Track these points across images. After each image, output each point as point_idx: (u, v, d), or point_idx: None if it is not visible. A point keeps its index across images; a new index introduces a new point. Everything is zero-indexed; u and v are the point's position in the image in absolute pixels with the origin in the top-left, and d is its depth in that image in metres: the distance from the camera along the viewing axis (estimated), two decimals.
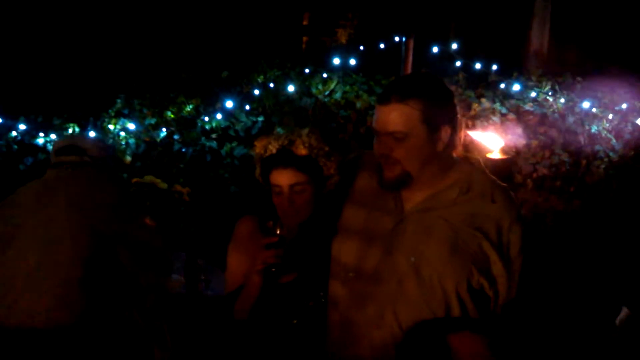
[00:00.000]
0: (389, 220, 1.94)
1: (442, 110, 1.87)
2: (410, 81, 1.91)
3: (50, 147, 4.43)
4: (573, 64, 5.19)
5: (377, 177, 1.99)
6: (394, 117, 1.83)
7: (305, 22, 9.43)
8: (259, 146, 2.06)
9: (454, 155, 1.97)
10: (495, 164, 3.52)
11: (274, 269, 1.91)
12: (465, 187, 1.92)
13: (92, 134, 4.39)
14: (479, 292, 1.90)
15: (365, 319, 1.92)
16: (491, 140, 3.45)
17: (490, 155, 3.50)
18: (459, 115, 1.91)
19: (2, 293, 2.03)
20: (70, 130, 4.44)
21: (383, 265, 1.92)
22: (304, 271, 2.01)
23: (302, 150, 1.96)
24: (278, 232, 1.91)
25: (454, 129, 1.89)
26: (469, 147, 4.10)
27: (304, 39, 9.25)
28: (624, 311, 2.97)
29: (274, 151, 1.97)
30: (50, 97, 4.73)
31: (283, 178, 1.95)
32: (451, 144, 1.91)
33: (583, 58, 5.69)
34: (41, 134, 4.46)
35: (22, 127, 4.49)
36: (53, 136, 4.44)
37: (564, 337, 3.61)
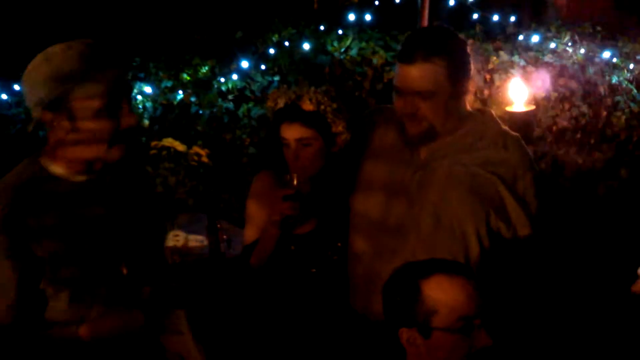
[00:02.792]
0: (408, 171, 2.00)
1: (463, 64, 1.94)
2: (431, 37, 1.92)
3: None
4: (592, 13, 5.07)
5: (397, 132, 2.01)
6: (420, 76, 1.86)
7: None
8: (270, 99, 2.12)
9: (467, 105, 2.02)
10: (514, 117, 3.49)
11: (291, 220, 1.97)
12: (479, 135, 1.98)
13: None
14: (497, 236, 1.94)
15: (390, 271, 1.96)
16: (513, 92, 3.41)
17: (510, 109, 3.46)
18: (472, 65, 1.95)
19: None
20: None
21: (406, 217, 1.96)
22: (321, 222, 2.06)
23: (309, 106, 2.01)
24: (295, 184, 1.97)
25: (471, 79, 1.96)
26: (488, 101, 4.07)
27: None
28: None
29: (282, 105, 2.01)
30: None
31: (290, 132, 2.01)
32: (467, 92, 1.98)
33: (603, 7, 5.56)
34: None
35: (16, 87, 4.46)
36: None
37: (583, 287, 3.64)
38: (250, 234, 2.13)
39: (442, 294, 1.47)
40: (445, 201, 1.93)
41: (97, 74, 1.48)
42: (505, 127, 2.05)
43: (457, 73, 1.87)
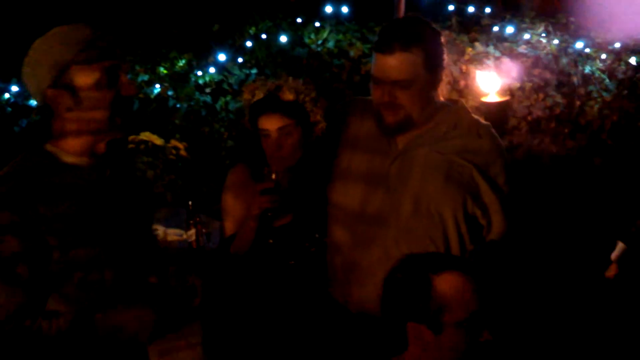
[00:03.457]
0: (385, 160, 2.01)
1: (438, 53, 1.95)
2: (408, 28, 1.94)
3: None
4: (566, 4, 5.14)
5: (373, 122, 2.04)
6: (399, 65, 1.87)
7: None
8: (247, 92, 2.12)
9: (441, 95, 2.06)
10: (490, 107, 3.54)
11: (270, 214, 1.99)
12: (453, 123, 2.01)
13: None
14: (473, 221, 1.98)
15: (370, 260, 1.99)
16: (488, 82, 3.46)
17: (485, 99, 3.51)
18: (445, 55, 1.98)
19: None
20: None
21: (385, 205, 1.99)
22: (299, 214, 2.08)
23: (289, 96, 2.02)
24: (273, 177, 1.97)
25: (444, 69, 1.99)
26: (464, 91, 4.11)
27: None
28: (619, 246, 3.05)
29: (261, 96, 2.02)
30: None
31: (271, 122, 2.01)
32: (441, 82, 2.01)
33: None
34: None
35: (14, 88, 4.47)
36: None
37: (560, 274, 3.70)
38: (228, 226, 2.14)
39: (453, 289, 1.49)
40: (424, 188, 1.96)
41: (94, 51, 1.54)
42: (476, 116, 2.10)
43: (433, 62, 1.91)
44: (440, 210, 1.96)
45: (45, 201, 1.53)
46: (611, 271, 3.14)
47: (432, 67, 1.91)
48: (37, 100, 1.60)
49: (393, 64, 1.87)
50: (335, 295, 2.11)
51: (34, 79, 1.55)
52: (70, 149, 1.60)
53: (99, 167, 1.64)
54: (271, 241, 2.09)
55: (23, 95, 4.46)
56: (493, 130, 2.08)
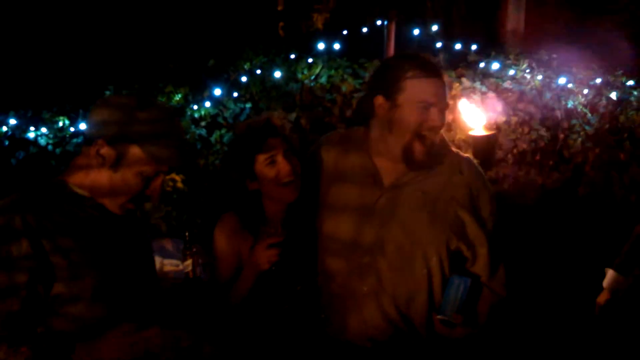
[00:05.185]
0: (373, 195, 2.07)
1: None
2: (430, 58, 2.07)
3: (41, 140, 4.49)
4: (548, 42, 5.33)
5: (357, 155, 2.10)
6: (444, 90, 1.99)
7: (280, 8, 9.44)
8: (240, 128, 2.19)
9: None
10: (477, 141, 3.66)
11: (273, 267, 2.01)
12: (438, 160, 2.08)
13: (82, 126, 4.44)
14: (458, 254, 2.06)
15: (365, 288, 2.06)
16: (474, 118, 3.59)
17: (472, 133, 3.64)
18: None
19: None
20: (60, 124, 4.49)
21: (376, 237, 2.06)
22: (292, 257, 2.11)
23: (280, 122, 2.10)
24: (280, 230, 2.00)
25: None
26: (452, 125, 4.24)
27: (280, 24, 9.26)
28: (610, 273, 3.09)
29: (261, 124, 2.06)
30: (39, 91, 4.76)
31: (276, 143, 2.03)
32: None
33: (558, 35, 5.83)
34: (32, 128, 4.50)
35: (12, 121, 4.53)
36: (44, 130, 4.49)
37: (551, 303, 3.76)
38: (222, 273, 2.14)
39: None
40: (408, 226, 2.02)
41: (167, 142, 1.58)
42: (457, 150, 2.17)
43: None
44: (425, 250, 2.03)
45: (62, 229, 1.53)
46: (603, 297, 3.17)
47: None
48: (85, 136, 1.62)
49: (443, 87, 1.98)
50: (330, 325, 2.15)
51: (100, 125, 1.56)
52: (87, 189, 1.61)
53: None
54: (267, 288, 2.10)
55: (21, 128, 4.52)
56: (475, 163, 2.15)
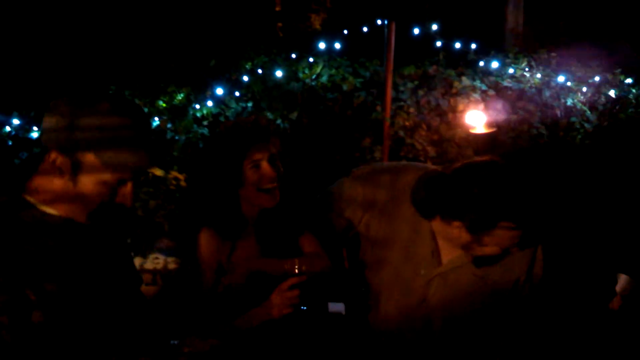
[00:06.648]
0: (426, 270, 1.93)
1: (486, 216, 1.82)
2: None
3: None
4: (547, 41, 5.37)
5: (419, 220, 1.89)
6: None
7: (278, 8, 9.48)
8: (227, 127, 2.04)
9: None
10: (478, 139, 3.70)
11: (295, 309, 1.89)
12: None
13: None
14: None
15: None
16: (474, 118, 3.62)
17: (473, 131, 3.67)
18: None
19: None
20: None
21: (418, 312, 1.95)
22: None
23: (266, 124, 2.00)
24: (303, 268, 1.89)
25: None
26: (452, 123, 4.28)
27: (278, 24, 9.31)
28: (624, 278, 3.05)
29: (249, 126, 1.97)
30: (42, 91, 4.79)
31: (262, 147, 1.95)
32: None
33: (556, 34, 5.88)
34: (35, 128, 4.53)
35: (15, 122, 4.56)
36: None
37: (564, 306, 3.75)
38: (206, 280, 1.98)
39: None
40: (454, 311, 1.91)
41: (128, 148, 1.45)
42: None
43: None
44: (472, 332, 1.95)
45: (37, 275, 1.39)
46: (615, 303, 3.12)
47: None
48: (41, 142, 1.47)
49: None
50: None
51: (52, 133, 1.42)
52: (48, 201, 1.48)
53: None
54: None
55: (24, 128, 4.55)
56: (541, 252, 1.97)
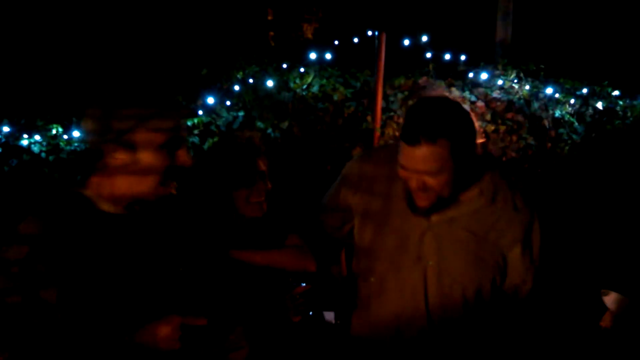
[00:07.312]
0: (415, 227, 1.99)
1: (466, 139, 1.87)
2: (433, 118, 1.83)
3: (34, 148, 4.50)
4: (536, 53, 5.43)
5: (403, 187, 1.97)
6: (425, 157, 1.81)
7: (270, 18, 9.50)
8: (232, 144, 2.20)
9: (476, 161, 1.96)
10: None
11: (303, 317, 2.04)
12: (489, 197, 1.97)
13: (76, 133, 4.47)
14: (498, 290, 2.01)
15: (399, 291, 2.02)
16: None
17: None
18: (477, 129, 1.90)
19: None
20: (54, 131, 4.51)
21: (410, 270, 2.00)
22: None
23: (259, 142, 2.21)
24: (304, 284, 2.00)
25: (476, 145, 1.91)
26: None
27: (270, 34, 9.32)
28: (615, 296, 3.01)
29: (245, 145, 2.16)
30: (33, 98, 4.79)
31: (255, 164, 2.15)
32: (476, 153, 1.94)
33: (545, 46, 5.93)
34: (25, 136, 4.52)
35: (5, 129, 4.54)
36: (37, 137, 4.51)
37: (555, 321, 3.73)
38: None
39: None
40: (448, 266, 1.95)
41: (165, 112, 1.58)
42: (513, 179, 2.03)
43: (461, 150, 1.83)
44: (465, 291, 1.97)
45: (81, 252, 1.49)
46: (607, 321, 3.09)
47: (461, 154, 1.83)
48: (90, 142, 1.60)
49: (419, 155, 1.81)
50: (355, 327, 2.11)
51: (94, 126, 1.56)
52: (110, 198, 1.59)
53: (137, 217, 1.63)
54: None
55: (14, 135, 4.54)
56: (529, 195, 2.04)
